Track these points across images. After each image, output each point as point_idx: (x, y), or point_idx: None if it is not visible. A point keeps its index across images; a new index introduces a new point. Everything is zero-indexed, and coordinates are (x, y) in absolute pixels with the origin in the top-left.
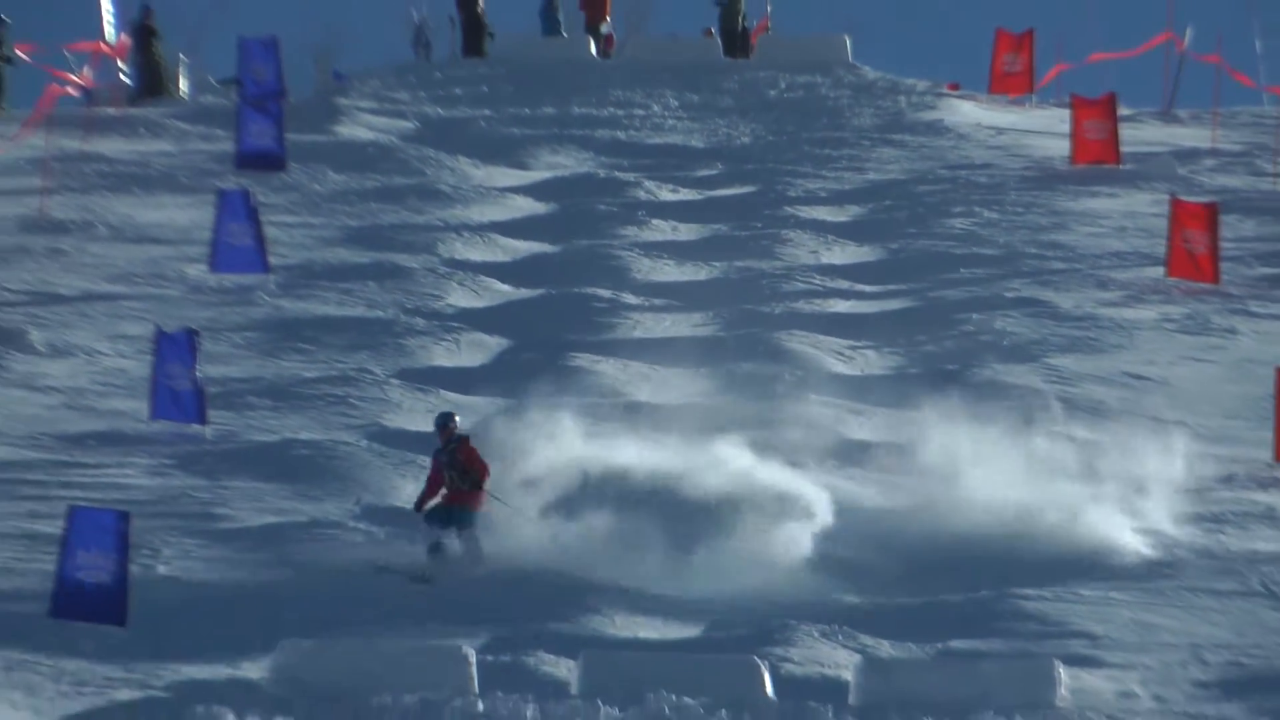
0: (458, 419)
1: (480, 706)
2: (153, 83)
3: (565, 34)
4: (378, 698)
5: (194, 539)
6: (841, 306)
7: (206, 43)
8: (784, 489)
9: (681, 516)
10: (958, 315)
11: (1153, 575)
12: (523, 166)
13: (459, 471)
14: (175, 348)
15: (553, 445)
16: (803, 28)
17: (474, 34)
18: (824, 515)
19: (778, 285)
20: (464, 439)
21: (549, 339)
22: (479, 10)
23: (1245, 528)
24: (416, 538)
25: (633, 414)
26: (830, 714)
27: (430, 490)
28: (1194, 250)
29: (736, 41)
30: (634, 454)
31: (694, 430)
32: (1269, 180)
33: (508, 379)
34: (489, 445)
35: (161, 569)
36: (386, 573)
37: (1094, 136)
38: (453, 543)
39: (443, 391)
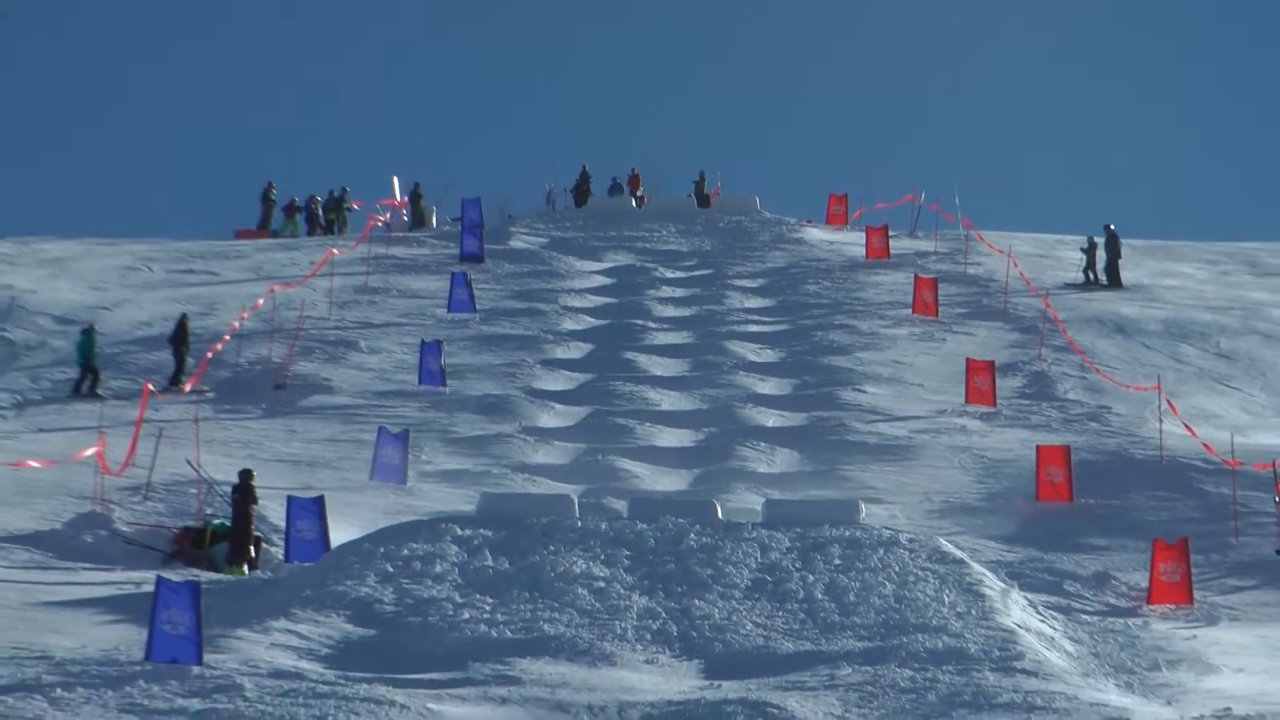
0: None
1: (579, 524)
2: (418, 219)
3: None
4: (528, 520)
5: (439, 443)
6: (754, 328)
7: (446, 199)
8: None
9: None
10: (811, 333)
11: (905, 458)
12: (598, 260)
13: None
14: (431, 349)
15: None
16: (737, 190)
17: (582, 196)
18: (747, 431)
19: (723, 317)
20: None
21: (613, 345)
22: (588, 186)
23: (950, 435)
24: (551, 440)
25: (652, 380)
26: (750, 527)
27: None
28: (926, 300)
29: (703, 200)
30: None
31: (681, 388)
32: (961, 267)
33: (593, 364)
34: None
35: (424, 459)
36: None
37: (877, 245)
38: None
39: (562, 370)
